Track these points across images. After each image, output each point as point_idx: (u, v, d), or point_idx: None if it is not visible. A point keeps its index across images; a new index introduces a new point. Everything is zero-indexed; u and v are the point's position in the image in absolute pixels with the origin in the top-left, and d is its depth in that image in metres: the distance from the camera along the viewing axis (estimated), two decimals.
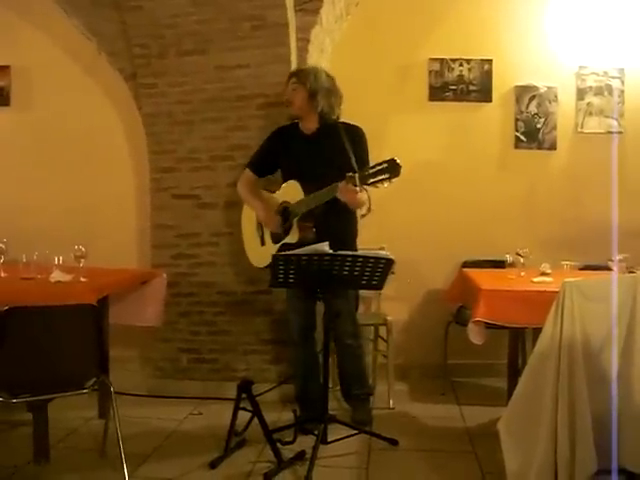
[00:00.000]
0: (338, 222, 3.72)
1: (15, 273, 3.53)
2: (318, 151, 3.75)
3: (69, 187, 4.89)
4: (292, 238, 3.71)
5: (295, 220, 3.70)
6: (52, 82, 4.91)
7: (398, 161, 3.18)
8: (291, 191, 3.74)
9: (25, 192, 4.91)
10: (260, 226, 3.96)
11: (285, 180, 3.86)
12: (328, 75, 3.84)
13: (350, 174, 3.33)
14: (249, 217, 4.06)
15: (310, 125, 3.84)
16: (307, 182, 3.66)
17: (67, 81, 4.89)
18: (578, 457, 2.65)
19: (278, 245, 3.79)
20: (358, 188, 3.33)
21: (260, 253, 3.92)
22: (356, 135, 3.76)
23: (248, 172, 4.03)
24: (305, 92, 3.77)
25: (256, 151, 4.06)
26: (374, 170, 3.24)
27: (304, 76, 3.80)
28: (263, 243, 3.95)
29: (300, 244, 3.57)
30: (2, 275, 3.61)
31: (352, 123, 3.82)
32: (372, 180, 3.25)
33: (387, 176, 3.20)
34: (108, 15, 4.44)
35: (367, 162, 3.55)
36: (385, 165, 3.21)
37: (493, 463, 3.16)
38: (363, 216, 3.49)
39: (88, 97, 4.87)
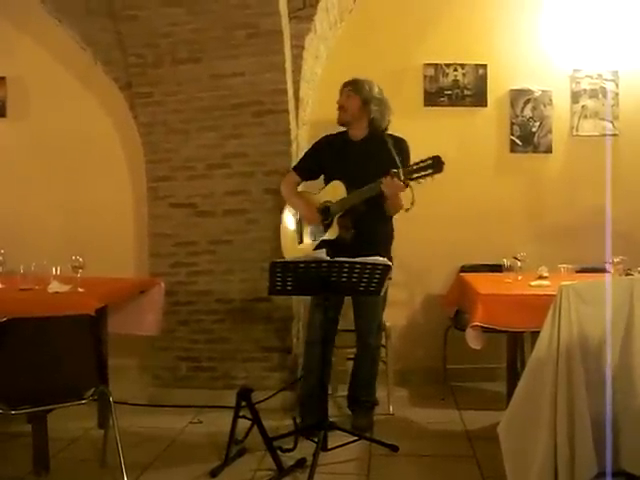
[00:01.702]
0: (376, 224, 3.83)
1: (13, 284, 3.52)
2: (366, 157, 3.82)
3: (66, 197, 4.90)
4: (331, 234, 3.80)
5: (336, 217, 3.78)
6: (48, 92, 4.92)
7: (442, 158, 3.39)
8: (334, 191, 3.83)
9: (22, 203, 4.92)
10: (299, 225, 4.01)
11: (328, 183, 3.93)
12: (379, 87, 3.95)
13: (394, 170, 3.50)
14: (289, 216, 4.09)
15: (359, 132, 3.93)
16: (352, 185, 3.74)
17: (63, 91, 4.90)
18: (578, 460, 2.66)
19: (316, 242, 3.85)
20: (402, 183, 3.50)
21: (297, 252, 3.92)
22: (402, 146, 3.83)
23: (293, 174, 4.07)
24: (359, 100, 3.89)
25: (303, 156, 4.14)
26: (418, 166, 3.45)
27: (359, 85, 3.91)
28: (301, 241, 3.99)
29: (338, 242, 3.70)
30: (0, 286, 3.60)
31: (398, 135, 3.90)
32: (416, 175, 3.46)
33: (430, 172, 3.42)
34: (103, 25, 4.45)
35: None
36: (429, 161, 3.42)
37: (493, 467, 3.16)
38: (408, 210, 3.56)
39: (84, 107, 4.88)
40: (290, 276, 3.36)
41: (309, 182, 4.13)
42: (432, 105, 4.88)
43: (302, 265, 3.32)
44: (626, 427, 2.74)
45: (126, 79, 4.51)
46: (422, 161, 3.44)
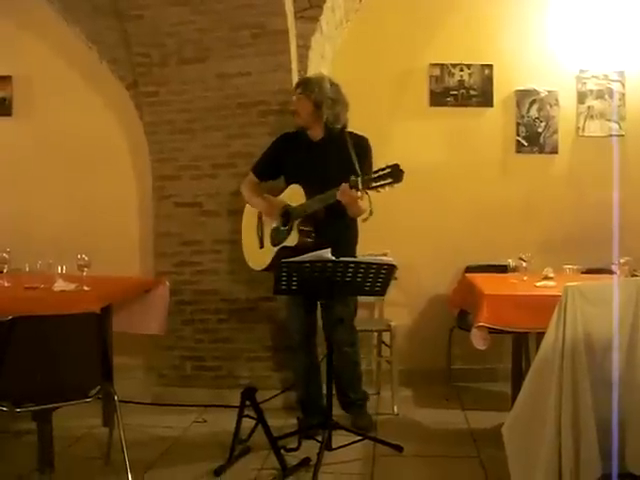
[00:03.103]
0: (338, 228, 3.75)
1: (19, 283, 3.53)
2: (323, 158, 3.77)
3: (71, 196, 4.90)
4: (291, 241, 3.73)
5: (296, 223, 3.72)
6: (54, 91, 4.92)
7: (401, 167, 3.23)
8: (294, 195, 3.76)
9: (28, 201, 4.92)
10: (260, 228, 3.97)
11: (288, 185, 3.88)
12: (332, 83, 3.85)
13: (353, 177, 3.39)
14: (249, 220, 4.08)
15: (316, 133, 3.88)
16: (310, 187, 3.68)
17: (69, 90, 4.90)
18: (583, 461, 2.65)
19: (277, 248, 3.81)
20: (359, 193, 3.39)
21: (258, 255, 3.95)
22: (362, 145, 3.78)
23: (251, 176, 4.06)
24: (310, 103, 3.80)
25: (261, 156, 4.07)
26: (377, 175, 3.31)
27: (309, 87, 3.82)
28: (262, 246, 3.96)
29: (299, 248, 3.60)
30: (6, 285, 3.60)
31: (359, 133, 3.84)
32: (374, 184, 3.32)
33: (389, 181, 3.26)
34: (109, 24, 4.46)
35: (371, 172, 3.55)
36: (388, 170, 3.27)
37: (498, 468, 3.14)
38: (365, 220, 3.51)
39: (90, 106, 4.88)
40: (295, 276, 3.35)
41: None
42: (438, 105, 4.86)
43: (307, 265, 3.31)
44: (631, 428, 2.73)
45: (132, 78, 4.52)
46: (381, 169, 3.31)
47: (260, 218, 3.99)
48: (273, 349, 4.41)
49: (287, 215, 3.78)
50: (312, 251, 3.43)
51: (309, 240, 3.69)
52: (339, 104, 3.82)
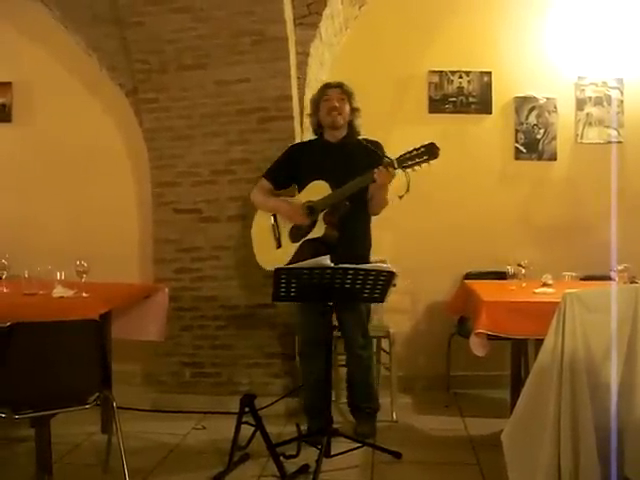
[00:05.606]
0: (357, 227, 3.80)
1: (18, 289, 3.53)
2: (348, 155, 3.78)
3: (71, 202, 4.91)
4: (318, 232, 3.69)
5: (321, 215, 3.69)
6: (53, 98, 4.94)
7: (437, 144, 3.36)
8: (318, 191, 3.72)
9: (27, 208, 4.93)
10: (275, 228, 3.91)
11: (304, 187, 3.85)
12: None
13: (387, 158, 3.47)
14: (261, 222, 4.01)
15: (339, 135, 3.90)
16: (337, 184, 3.66)
17: (68, 97, 4.92)
18: (582, 468, 2.65)
19: (299, 243, 3.76)
20: (395, 172, 3.47)
21: (275, 256, 3.83)
22: (378, 145, 3.81)
23: (264, 182, 3.99)
24: (349, 107, 3.87)
25: (275, 163, 4.02)
26: (412, 154, 3.40)
27: (349, 93, 3.88)
28: (279, 245, 3.89)
29: (324, 240, 3.64)
30: (5, 291, 3.61)
31: (371, 138, 3.88)
32: (410, 162, 3.41)
33: (426, 158, 3.37)
34: (109, 31, 4.47)
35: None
36: (423, 149, 3.39)
37: (497, 475, 3.14)
38: (401, 197, 3.47)
39: (89, 112, 4.90)
40: (294, 282, 3.35)
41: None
42: (437, 112, 4.88)
43: (306, 271, 3.31)
44: (630, 434, 2.73)
45: (131, 85, 4.52)
46: (416, 149, 3.40)
47: (276, 218, 3.92)
48: (272, 355, 4.40)
49: (311, 210, 3.73)
50: (337, 244, 3.55)
51: (334, 233, 3.67)
52: (360, 114, 3.92)
